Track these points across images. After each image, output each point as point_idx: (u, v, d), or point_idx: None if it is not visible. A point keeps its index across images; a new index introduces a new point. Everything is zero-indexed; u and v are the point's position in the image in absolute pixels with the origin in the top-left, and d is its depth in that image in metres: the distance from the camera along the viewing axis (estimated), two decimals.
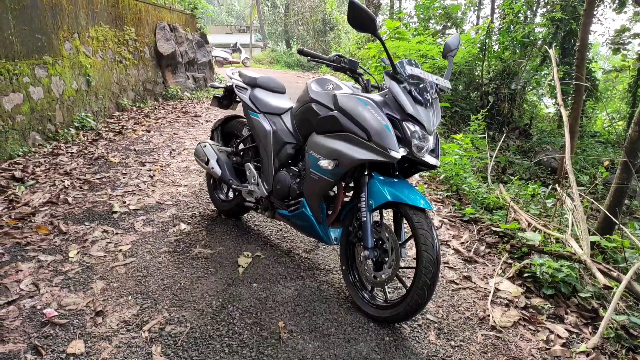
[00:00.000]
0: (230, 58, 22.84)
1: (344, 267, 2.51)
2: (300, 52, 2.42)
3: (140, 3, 9.08)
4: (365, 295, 2.41)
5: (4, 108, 4.71)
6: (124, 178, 4.27)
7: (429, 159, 2.26)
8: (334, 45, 25.75)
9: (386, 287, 2.35)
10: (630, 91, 12.22)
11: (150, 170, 4.57)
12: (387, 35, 9.78)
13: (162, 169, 4.64)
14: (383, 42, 2.17)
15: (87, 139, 5.74)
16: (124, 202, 3.67)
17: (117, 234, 3.13)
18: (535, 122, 10.07)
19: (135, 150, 5.33)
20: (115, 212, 3.48)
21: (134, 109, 8.13)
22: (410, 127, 2.16)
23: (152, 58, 9.64)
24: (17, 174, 4.15)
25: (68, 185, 4.00)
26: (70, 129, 5.93)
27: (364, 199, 2.27)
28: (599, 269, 2.76)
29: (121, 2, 8.28)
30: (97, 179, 4.22)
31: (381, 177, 2.28)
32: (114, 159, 4.89)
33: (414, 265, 2.14)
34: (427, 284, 2.06)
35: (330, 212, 2.62)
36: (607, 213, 3.62)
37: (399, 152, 2.11)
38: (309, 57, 2.42)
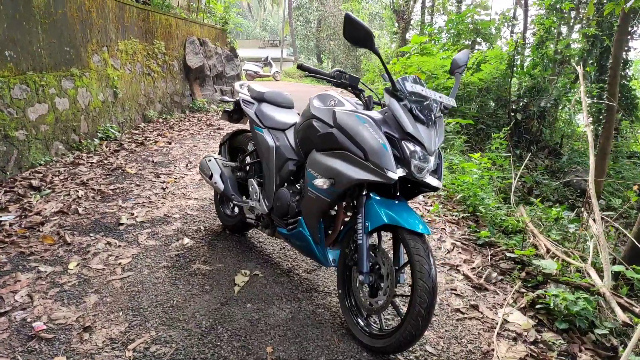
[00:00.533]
0: (261, 72, 23.12)
1: (340, 291, 2.40)
2: (300, 67, 2.36)
3: (170, 18, 9.30)
4: (361, 322, 2.29)
5: (29, 118, 4.84)
6: (137, 189, 4.30)
7: (431, 180, 2.14)
8: (364, 60, 25.72)
9: (382, 314, 2.23)
10: None
11: (164, 182, 4.59)
12: (414, 50, 9.68)
13: (175, 181, 4.65)
14: (381, 57, 2.09)
15: (109, 149, 5.85)
16: (132, 214, 3.68)
17: (119, 246, 3.12)
18: (568, 142, 9.70)
19: (153, 161, 5.38)
20: (122, 224, 3.48)
21: (160, 120, 8.27)
22: (409, 146, 2.05)
23: (180, 71, 9.83)
24: (35, 182, 4.23)
25: (82, 195, 4.05)
26: (95, 139, 6.07)
27: (360, 220, 2.16)
28: (619, 303, 2.55)
29: (152, 17, 8.49)
30: (110, 189, 4.26)
31: (379, 198, 2.17)
32: (130, 169, 4.94)
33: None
34: (422, 315, 1.93)
35: (330, 232, 2.53)
36: (635, 241, 3.38)
37: (396, 173, 2.01)
38: (307, 73, 2.35)
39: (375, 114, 2.18)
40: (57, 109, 5.39)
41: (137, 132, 7.13)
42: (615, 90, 5.40)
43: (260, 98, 3.08)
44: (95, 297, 2.50)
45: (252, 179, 2.99)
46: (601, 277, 2.84)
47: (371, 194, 2.19)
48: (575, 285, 2.83)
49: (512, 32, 15.85)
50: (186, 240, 3.27)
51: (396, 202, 2.19)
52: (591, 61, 9.63)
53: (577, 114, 10.01)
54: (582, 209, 4.50)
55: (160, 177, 4.74)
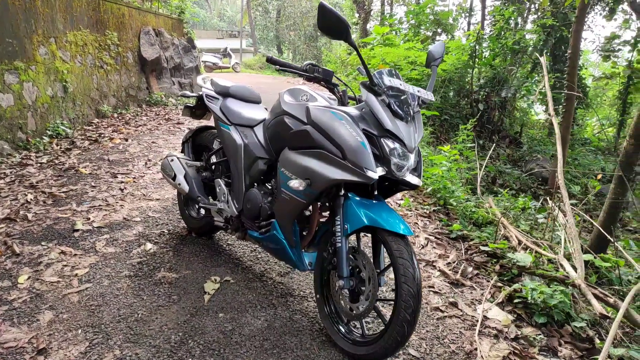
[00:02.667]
0: (220, 63, 22.58)
1: (318, 296, 2.28)
2: (269, 60, 2.20)
3: (123, 7, 8.83)
4: (342, 328, 2.18)
5: None
6: (92, 191, 4.02)
7: (411, 178, 2.05)
8: (324, 51, 25.58)
9: (364, 320, 2.14)
10: (620, 98, 12.20)
11: (122, 182, 4.32)
12: (376, 41, 9.61)
13: (134, 181, 4.39)
14: (357, 49, 1.97)
15: (60, 147, 5.48)
16: (88, 219, 3.42)
17: (75, 255, 2.88)
18: (525, 130, 9.93)
19: (109, 160, 5.07)
20: (77, 230, 3.23)
21: (115, 115, 7.86)
22: (389, 144, 1.95)
23: (135, 63, 9.38)
24: None
25: (31, 199, 3.74)
26: (44, 137, 5.66)
27: (338, 222, 2.05)
28: (594, 294, 2.56)
29: (102, 6, 8.03)
30: (63, 192, 3.96)
31: (358, 199, 2.06)
32: (84, 169, 4.63)
33: (393, 296, 1.93)
34: (407, 320, 1.84)
35: (305, 234, 2.40)
36: (602, 230, 3.44)
37: (376, 172, 1.90)
38: (278, 67, 2.20)
39: (352, 109, 2.07)
40: (1, 106, 4.98)
41: (90, 128, 6.74)
42: (575, 79, 5.52)
43: (225, 93, 2.90)
44: (50, 314, 2.28)
45: (219, 179, 2.82)
46: (574, 268, 2.86)
47: (349, 194, 2.08)
48: (550, 278, 2.83)
49: (469, 23, 16.11)
50: (149, 245, 3.07)
51: (375, 202, 2.09)
52: (546, 51, 9.87)
53: (534, 104, 10.27)
54: (547, 198, 4.58)
55: (117, 177, 4.47)
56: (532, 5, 11.84)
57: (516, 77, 8.03)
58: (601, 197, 5.69)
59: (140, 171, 4.74)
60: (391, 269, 1.95)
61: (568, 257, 3.20)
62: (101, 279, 2.62)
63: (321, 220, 2.40)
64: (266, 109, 2.98)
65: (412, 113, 2.04)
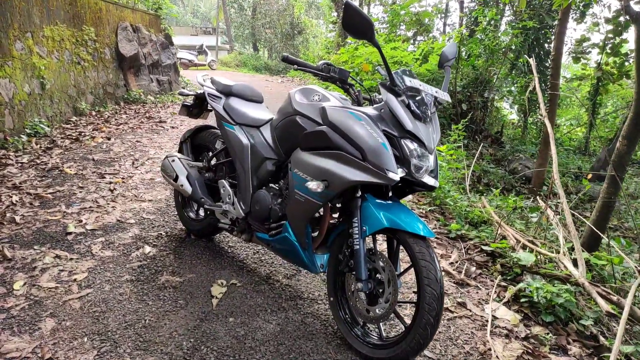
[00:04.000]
0: (195, 60, 22.22)
1: (332, 299, 2.25)
2: (285, 59, 2.16)
3: (100, 1, 8.57)
4: (358, 331, 2.16)
5: None
6: (80, 192, 3.87)
7: (428, 179, 2.04)
8: (302, 49, 25.53)
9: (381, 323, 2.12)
10: (590, 99, 12.59)
11: (111, 183, 4.18)
12: (358, 42, 9.62)
13: (123, 182, 4.25)
14: (381, 50, 1.94)
15: (40, 147, 5.27)
16: (80, 221, 3.29)
17: (71, 259, 2.77)
18: (506, 130, 10.13)
19: (93, 159, 4.91)
20: (70, 233, 3.10)
21: (93, 113, 7.63)
22: (409, 145, 1.94)
23: (113, 60, 9.12)
24: None
25: (16, 201, 3.58)
26: (22, 136, 5.43)
27: (356, 224, 2.02)
28: (598, 293, 2.62)
29: (79, 0, 7.77)
30: (49, 193, 3.80)
31: (376, 200, 2.04)
32: (69, 170, 4.46)
33: (410, 298, 1.91)
34: (431, 323, 1.83)
35: (315, 235, 2.36)
36: (595, 229, 3.52)
37: (397, 174, 1.88)
38: (295, 66, 2.16)
39: (370, 110, 2.04)
40: None
41: (69, 126, 6.51)
42: (558, 80, 5.65)
43: (227, 92, 2.83)
44: (52, 322, 2.17)
45: (223, 181, 2.75)
46: (576, 268, 2.91)
47: (367, 196, 2.06)
48: (552, 276, 2.88)
49: (444, 24, 16.32)
50: (147, 248, 2.97)
51: (391, 203, 2.07)
52: (523, 52, 10.08)
53: (514, 105, 10.49)
54: (537, 197, 4.67)
55: (105, 178, 4.32)
56: (507, 7, 12.09)
57: (498, 78, 8.16)
58: (587, 196, 5.86)
59: (128, 171, 4.60)
60: (409, 270, 1.93)
61: (565, 256, 3.26)
62: (102, 284, 2.52)
63: (330, 221, 2.36)
64: (267, 107, 2.94)
65: (429, 114, 2.03)
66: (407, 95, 1.96)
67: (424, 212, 4.05)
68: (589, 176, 4.30)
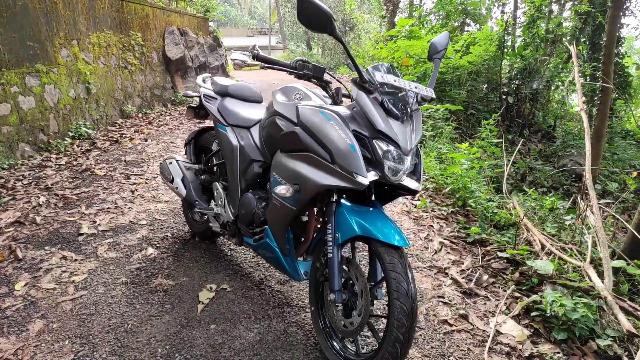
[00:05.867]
0: (248, 61, 22.42)
1: (312, 309, 2.14)
2: (255, 57, 2.07)
3: (147, 7, 8.90)
4: (336, 344, 2.03)
5: None
6: (103, 193, 4.01)
7: (409, 182, 1.87)
8: (354, 46, 25.27)
9: (358, 336, 1.98)
10: None
11: (134, 184, 4.30)
12: (402, 34, 9.33)
13: (146, 182, 4.36)
14: (343, 43, 1.81)
15: (81, 149, 5.53)
16: (95, 222, 3.39)
17: (75, 260, 2.85)
18: (561, 123, 9.43)
19: (125, 161, 5.08)
20: (82, 234, 3.20)
21: (140, 115, 7.94)
22: (381, 146, 1.78)
23: (160, 63, 9.46)
24: None
25: (43, 202, 3.76)
26: (66, 138, 5.75)
27: (330, 231, 1.90)
28: (622, 307, 2.31)
29: (126, 7, 8.10)
30: (75, 194, 3.97)
31: (350, 205, 1.91)
32: (99, 171, 4.64)
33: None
34: (400, 340, 1.68)
35: (302, 240, 2.26)
36: (636, 232, 3.13)
37: (366, 177, 1.74)
38: (265, 64, 2.06)
39: (342, 109, 1.91)
40: (22, 109, 5.07)
41: (113, 129, 6.81)
42: (610, 69, 5.13)
43: (223, 92, 2.79)
44: (41, 323, 2.23)
45: (216, 183, 2.71)
46: (601, 277, 2.60)
47: (342, 201, 1.93)
48: (573, 288, 2.59)
49: (502, 12, 15.50)
50: (150, 250, 3.00)
51: (370, 209, 1.93)
52: (584, 39, 9.33)
53: (571, 94, 9.75)
54: (579, 197, 4.26)
55: (130, 179, 4.45)
56: None
57: (548, 68, 7.58)
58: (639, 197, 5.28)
59: (154, 172, 4.72)
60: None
61: (596, 264, 2.94)
62: (97, 286, 2.57)
63: (318, 226, 2.25)
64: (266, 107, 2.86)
65: (409, 111, 1.86)
66: (381, 92, 1.81)
67: (445, 213, 3.82)
68: (635, 174, 3.84)
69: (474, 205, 3.77)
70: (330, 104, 2.02)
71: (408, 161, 1.84)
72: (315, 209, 2.18)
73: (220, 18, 15.77)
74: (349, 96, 2.15)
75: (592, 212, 3.25)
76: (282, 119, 2.14)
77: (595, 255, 3.10)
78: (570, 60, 9.36)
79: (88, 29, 6.87)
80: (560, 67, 8.04)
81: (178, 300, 2.45)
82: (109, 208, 3.69)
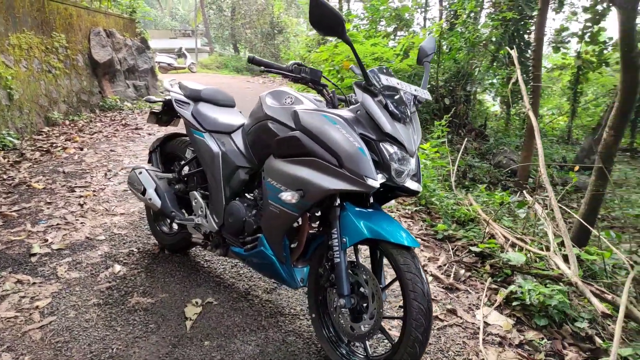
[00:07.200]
0: (175, 64, 21.86)
1: (314, 316, 2.10)
2: (251, 60, 1.99)
3: (70, 7, 8.29)
4: (343, 350, 2.01)
5: None
6: (48, 209, 3.66)
7: (411, 184, 1.90)
8: (283, 49, 25.28)
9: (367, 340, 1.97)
10: (571, 88, 12.65)
11: (81, 196, 3.97)
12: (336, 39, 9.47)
13: (94, 195, 4.05)
14: (353, 47, 1.79)
15: (8, 160, 5.02)
16: (46, 240, 3.09)
17: (34, 284, 2.57)
18: (488, 123, 10.06)
19: (64, 172, 4.68)
20: (35, 254, 2.90)
21: (67, 122, 7.36)
22: (388, 148, 1.79)
23: (86, 66, 8.84)
24: None
25: None
26: None
27: (336, 235, 1.87)
28: (592, 292, 2.51)
29: (47, 7, 7.49)
30: (14, 211, 3.59)
31: (355, 209, 1.89)
32: (37, 184, 4.24)
33: (397, 313, 1.77)
34: (419, 340, 1.69)
35: (293, 246, 2.21)
36: (584, 223, 3.43)
37: (377, 180, 1.74)
38: (262, 67, 2.00)
39: (346, 112, 1.89)
40: None
41: (40, 138, 6.26)
42: (540, 70, 5.57)
43: (196, 97, 2.66)
44: (9, 357, 1.99)
45: (194, 192, 2.58)
46: (567, 267, 2.80)
47: (345, 204, 1.91)
48: (543, 276, 2.77)
49: (425, 18, 16.26)
50: (117, 267, 2.78)
51: (373, 211, 1.93)
52: (504, 44, 10.04)
53: (497, 97, 10.44)
54: (524, 192, 4.58)
55: (75, 192, 4.11)
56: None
57: (480, 71, 8.08)
58: (572, 187, 5.79)
59: (100, 183, 4.39)
60: (393, 284, 1.79)
61: (555, 252, 3.16)
62: (66, 310, 2.34)
63: (310, 231, 2.21)
64: (240, 112, 2.77)
65: (409, 114, 1.89)
66: (384, 95, 1.82)
67: (409, 212, 3.92)
68: (576, 168, 4.21)
69: (437, 203, 3.91)
70: (326, 107, 2.00)
71: (412, 162, 1.86)
72: (308, 214, 2.15)
73: (147, 19, 15.07)
74: (343, 100, 2.15)
75: (546, 206, 3.50)
76: (275, 123, 2.08)
77: (551, 246, 3.33)
78: (494, 64, 10.05)
79: (7, 29, 6.27)
80: (487, 70, 8.58)
81: (162, 319, 2.30)
82: (58, 224, 3.37)
